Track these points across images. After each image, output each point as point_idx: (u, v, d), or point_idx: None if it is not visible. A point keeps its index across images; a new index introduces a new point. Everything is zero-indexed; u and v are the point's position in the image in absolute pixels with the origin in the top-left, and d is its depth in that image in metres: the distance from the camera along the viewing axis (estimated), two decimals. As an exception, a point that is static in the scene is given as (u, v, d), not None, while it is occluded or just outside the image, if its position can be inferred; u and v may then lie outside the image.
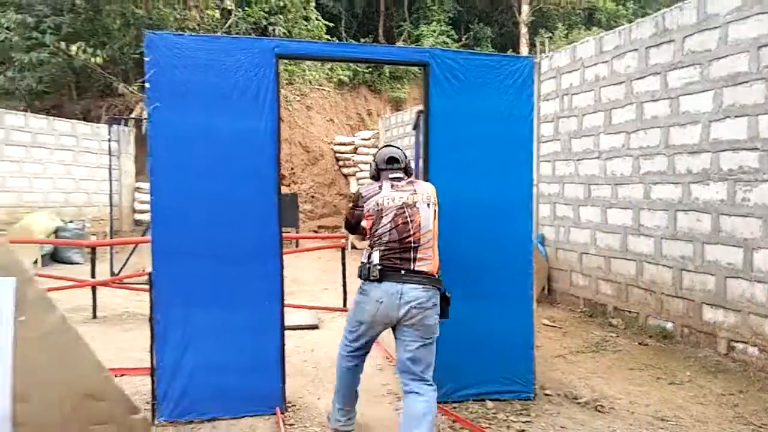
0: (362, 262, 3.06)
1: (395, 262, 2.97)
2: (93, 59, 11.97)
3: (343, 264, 6.54)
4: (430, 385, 2.92)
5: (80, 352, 1.42)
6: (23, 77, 13.15)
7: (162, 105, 3.41)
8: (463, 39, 20.17)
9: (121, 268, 7.68)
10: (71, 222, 10.02)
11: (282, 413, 3.56)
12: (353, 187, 14.47)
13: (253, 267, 3.53)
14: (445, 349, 3.69)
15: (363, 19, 20.97)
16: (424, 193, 3.13)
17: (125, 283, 6.39)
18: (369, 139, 14.00)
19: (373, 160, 3.30)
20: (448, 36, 19.26)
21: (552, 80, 7.00)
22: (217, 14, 13.01)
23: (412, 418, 2.81)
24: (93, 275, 5.99)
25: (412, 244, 2.99)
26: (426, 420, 2.78)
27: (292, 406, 3.74)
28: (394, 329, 3.02)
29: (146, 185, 12.20)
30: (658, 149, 5.48)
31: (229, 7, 13.14)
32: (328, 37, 14.64)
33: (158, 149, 3.42)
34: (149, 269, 8.17)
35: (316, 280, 8.52)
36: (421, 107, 3.89)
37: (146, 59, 3.38)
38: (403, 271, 2.94)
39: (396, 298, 2.89)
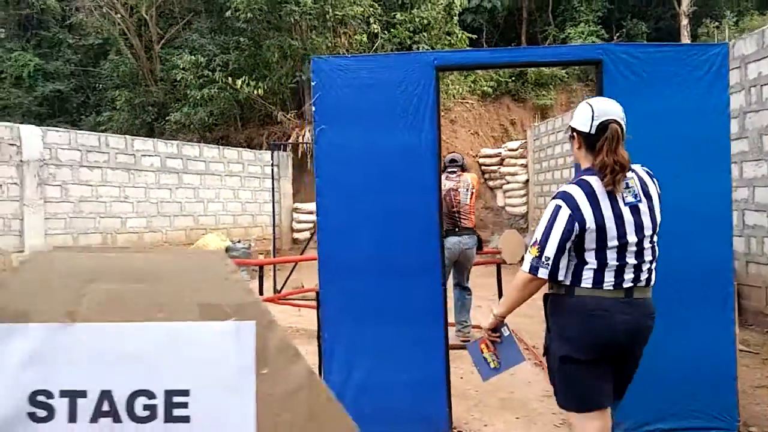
0: None
1: (450, 224, 5.39)
2: (255, 91, 12.97)
3: (499, 280, 6.26)
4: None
5: (332, 413, 1.17)
6: (196, 112, 14.64)
7: (327, 127, 3.47)
8: (615, 38, 18.92)
9: (283, 285, 8.08)
10: (239, 242, 10.85)
11: (449, 439, 3.41)
12: (500, 200, 14.08)
13: (416, 282, 3.44)
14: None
15: (504, 28, 20.57)
16: (465, 182, 5.56)
17: (289, 300, 6.69)
18: (516, 149, 13.55)
19: (443, 160, 5.41)
20: (597, 36, 18.16)
21: (735, 71, 6.19)
22: (365, 38, 13.47)
23: (464, 304, 5.77)
24: (261, 292, 6.34)
25: (456, 213, 5.46)
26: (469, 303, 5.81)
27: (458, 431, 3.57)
28: (455, 262, 5.49)
29: (303, 206, 12.90)
30: None
31: (375, 31, 13.55)
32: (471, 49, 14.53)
33: (324, 170, 3.48)
34: (307, 285, 8.47)
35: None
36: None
37: (312, 83, 3.47)
38: (457, 229, 5.45)
39: (458, 244, 5.40)
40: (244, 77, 12.97)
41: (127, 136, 10.33)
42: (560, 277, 2.19)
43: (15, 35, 22.05)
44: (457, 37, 14.95)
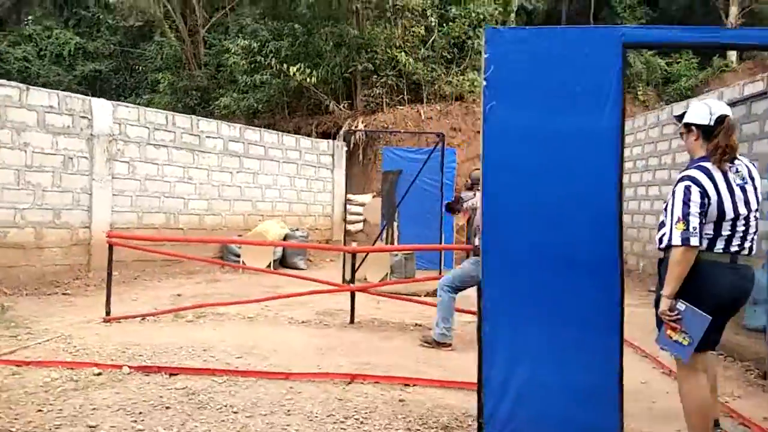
0: (474, 245, 5.18)
1: (475, 241, 5.14)
2: (308, 79, 12.72)
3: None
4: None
5: None
6: (245, 98, 14.42)
7: (498, 104, 3.21)
8: (662, 45, 18.57)
9: (352, 276, 7.85)
10: (297, 230, 10.64)
11: (620, 449, 3.14)
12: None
13: (590, 279, 3.18)
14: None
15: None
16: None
17: (382, 293, 6.46)
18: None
19: (469, 178, 6.19)
20: (646, 43, 17.81)
21: None
22: (422, 30, 13.21)
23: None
24: (352, 281, 6.11)
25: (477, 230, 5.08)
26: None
27: (627, 441, 3.31)
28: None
29: (355, 197, 12.63)
30: None
31: (432, 24, 13.29)
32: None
33: (492, 151, 3.23)
34: (370, 279, 8.19)
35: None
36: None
37: (485, 56, 3.21)
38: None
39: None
40: (298, 65, 12.73)
41: (192, 116, 10.10)
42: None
43: (50, 14, 21.93)
44: (512, 34, 14.67)
